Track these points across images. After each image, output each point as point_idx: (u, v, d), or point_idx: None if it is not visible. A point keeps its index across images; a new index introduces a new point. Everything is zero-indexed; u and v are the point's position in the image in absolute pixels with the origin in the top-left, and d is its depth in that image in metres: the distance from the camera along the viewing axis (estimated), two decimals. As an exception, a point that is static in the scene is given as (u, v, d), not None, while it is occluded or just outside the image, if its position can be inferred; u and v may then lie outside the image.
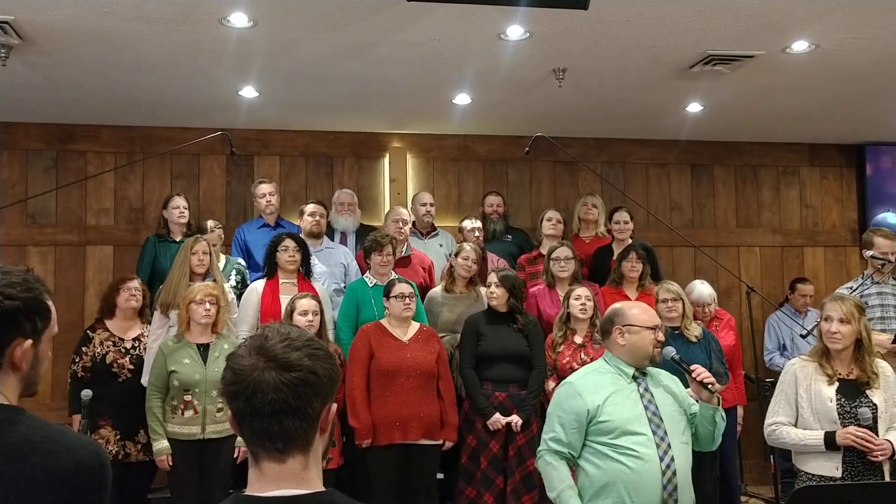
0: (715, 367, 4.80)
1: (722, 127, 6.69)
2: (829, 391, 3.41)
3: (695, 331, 4.88)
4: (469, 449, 4.71)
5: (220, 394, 1.46)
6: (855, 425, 3.31)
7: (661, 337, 3.12)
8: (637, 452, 2.93)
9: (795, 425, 3.47)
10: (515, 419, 4.62)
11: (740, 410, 5.36)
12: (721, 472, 5.27)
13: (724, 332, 5.42)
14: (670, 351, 3.14)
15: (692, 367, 3.03)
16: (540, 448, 3.15)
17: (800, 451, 3.48)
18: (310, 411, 1.41)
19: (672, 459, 2.93)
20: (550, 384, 4.75)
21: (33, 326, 1.60)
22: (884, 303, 5.14)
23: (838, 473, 3.32)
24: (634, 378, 3.09)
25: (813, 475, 3.40)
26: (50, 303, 1.65)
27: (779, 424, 3.50)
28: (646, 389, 3.07)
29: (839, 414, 3.37)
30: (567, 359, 4.78)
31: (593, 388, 3.06)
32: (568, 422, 3.04)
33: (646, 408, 3.01)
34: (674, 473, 2.91)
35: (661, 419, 2.99)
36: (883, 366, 3.51)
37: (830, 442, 3.33)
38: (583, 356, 4.75)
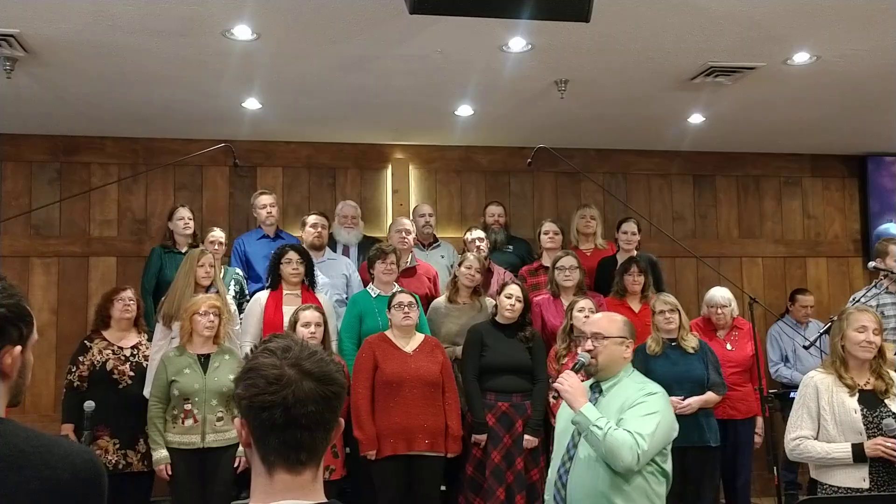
0: (712, 378, 4.79)
1: (724, 138, 6.69)
2: (852, 402, 3.38)
3: (691, 342, 4.85)
4: (475, 460, 4.71)
5: (247, 405, 1.40)
6: (881, 436, 3.29)
7: (587, 346, 2.99)
8: (552, 460, 3.05)
9: (817, 438, 3.43)
10: (532, 440, 4.67)
11: (759, 421, 5.24)
12: (733, 484, 5.24)
13: (744, 342, 5.38)
14: (580, 357, 3.02)
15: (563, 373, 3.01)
16: None
17: (825, 465, 3.42)
18: (334, 425, 1.43)
19: (566, 472, 2.91)
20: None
21: (20, 333, 1.58)
22: None
23: (866, 485, 3.28)
24: (591, 388, 3.02)
25: (839, 487, 3.34)
26: (30, 309, 1.63)
27: (803, 439, 3.43)
28: (594, 401, 2.96)
29: (864, 425, 3.34)
30: None
31: None
32: None
33: None
34: (563, 485, 2.90)
35: (579, 432, 2.93)
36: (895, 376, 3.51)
37: (859, 454, 3.30)
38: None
